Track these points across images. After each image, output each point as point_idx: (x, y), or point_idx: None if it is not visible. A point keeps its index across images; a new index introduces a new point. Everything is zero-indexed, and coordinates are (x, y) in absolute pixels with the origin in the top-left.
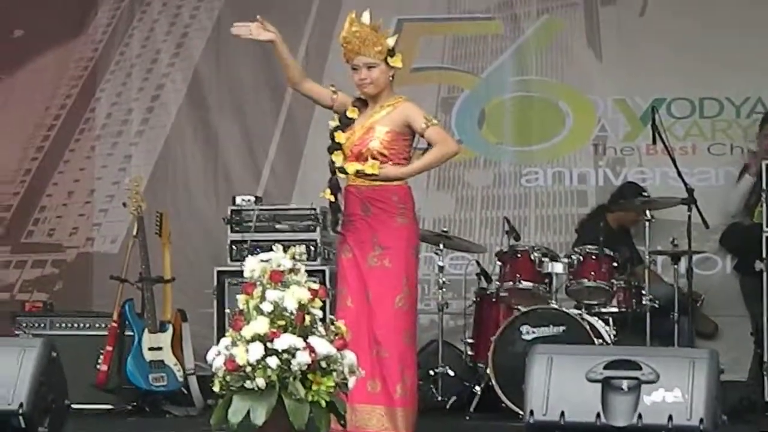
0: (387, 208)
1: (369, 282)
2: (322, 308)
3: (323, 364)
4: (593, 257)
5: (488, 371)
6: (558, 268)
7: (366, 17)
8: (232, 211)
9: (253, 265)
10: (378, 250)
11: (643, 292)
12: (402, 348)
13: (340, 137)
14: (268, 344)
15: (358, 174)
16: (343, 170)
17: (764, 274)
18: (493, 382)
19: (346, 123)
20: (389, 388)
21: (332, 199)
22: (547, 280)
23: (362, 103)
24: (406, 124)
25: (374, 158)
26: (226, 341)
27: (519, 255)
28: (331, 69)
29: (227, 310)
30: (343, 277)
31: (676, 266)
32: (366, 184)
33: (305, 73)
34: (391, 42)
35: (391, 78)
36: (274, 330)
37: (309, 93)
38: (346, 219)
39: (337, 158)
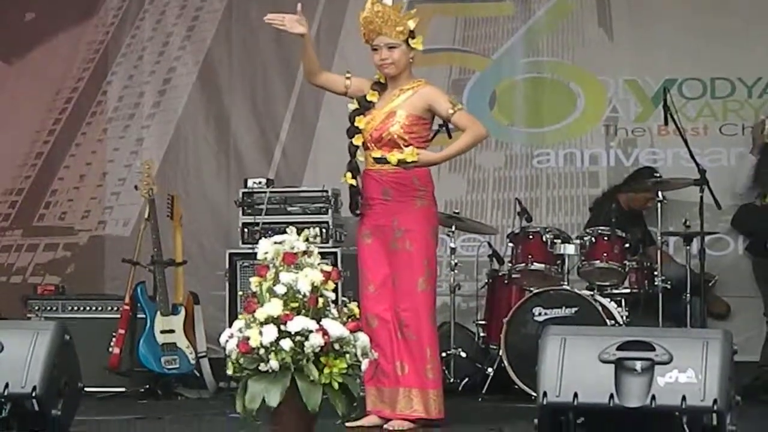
0: (407, 191)
1: (393, 266)
2: (335, 290)
3: (336, 346)
4: (605, 238)
5: (500, 353)
6: (570, 249)
7: None
8: (244, 193)
9: (266, 248)
10: (399, 233)
11: (656, 273)
12: (428, 329)
13: (360, 121)
14: (282, 326)
15: (379, 160)
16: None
17: None
18: (506, 363)
19: (365, 106)
20: (419, 370)
21: (353, 182)
22: (559, 262)
23: (381, 87)
24: (427, 108)
25: (394, 143)
26: (239, 324)
27: (531, 236)
28: (344, 48)
29: (239, 293)
30: (363, 263)
31: (688, 247)
32: (387, 169)
33: (321, 67)
34: (412, 24)
35: (411, 60)
36: (288, 312)
37: (324, 83)
38: (365, 203)
39: (358, 142)
